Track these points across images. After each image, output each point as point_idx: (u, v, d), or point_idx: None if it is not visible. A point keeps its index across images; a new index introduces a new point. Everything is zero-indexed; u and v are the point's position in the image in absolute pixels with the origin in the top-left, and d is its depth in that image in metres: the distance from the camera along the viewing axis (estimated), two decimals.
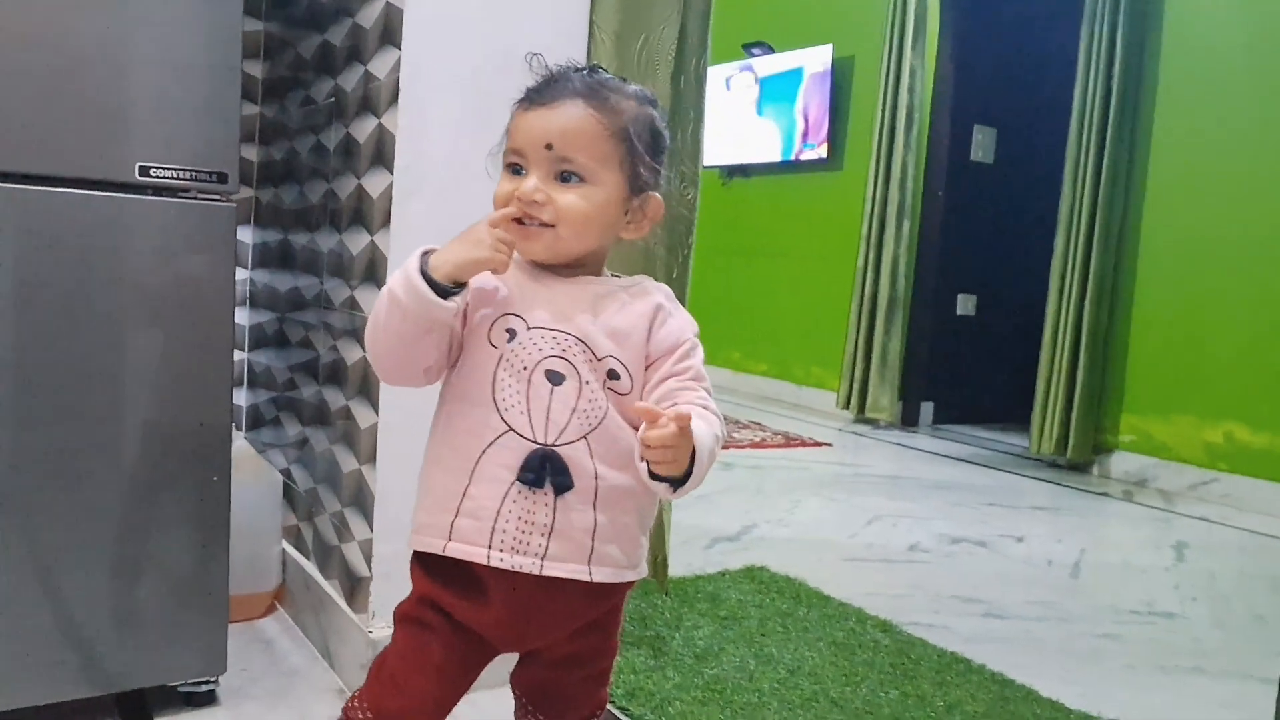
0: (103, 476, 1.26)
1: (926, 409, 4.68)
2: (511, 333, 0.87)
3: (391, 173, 1.38)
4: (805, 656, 1.70)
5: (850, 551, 2.47)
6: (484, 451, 0.86)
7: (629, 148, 0.89)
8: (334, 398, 1.60)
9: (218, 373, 1.32)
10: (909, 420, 4.63)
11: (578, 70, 0.91)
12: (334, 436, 1.60)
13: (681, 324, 0.92)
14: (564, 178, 0.87)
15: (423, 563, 0.92)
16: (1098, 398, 3.72)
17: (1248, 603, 2.30)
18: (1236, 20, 3.43)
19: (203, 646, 1.36)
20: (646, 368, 0.90)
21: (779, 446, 3.87)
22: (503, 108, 0.93)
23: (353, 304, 1.53)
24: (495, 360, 0.87)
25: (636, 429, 0.88)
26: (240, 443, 1.75)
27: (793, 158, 5.04)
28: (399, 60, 1.36)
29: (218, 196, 1.29)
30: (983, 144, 4.59)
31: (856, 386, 4.57)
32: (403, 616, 0.93)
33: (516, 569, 0.86)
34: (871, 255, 4.54)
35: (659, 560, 1.80)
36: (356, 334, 1.52)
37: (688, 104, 1.61)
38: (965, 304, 4.68)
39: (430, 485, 0.91)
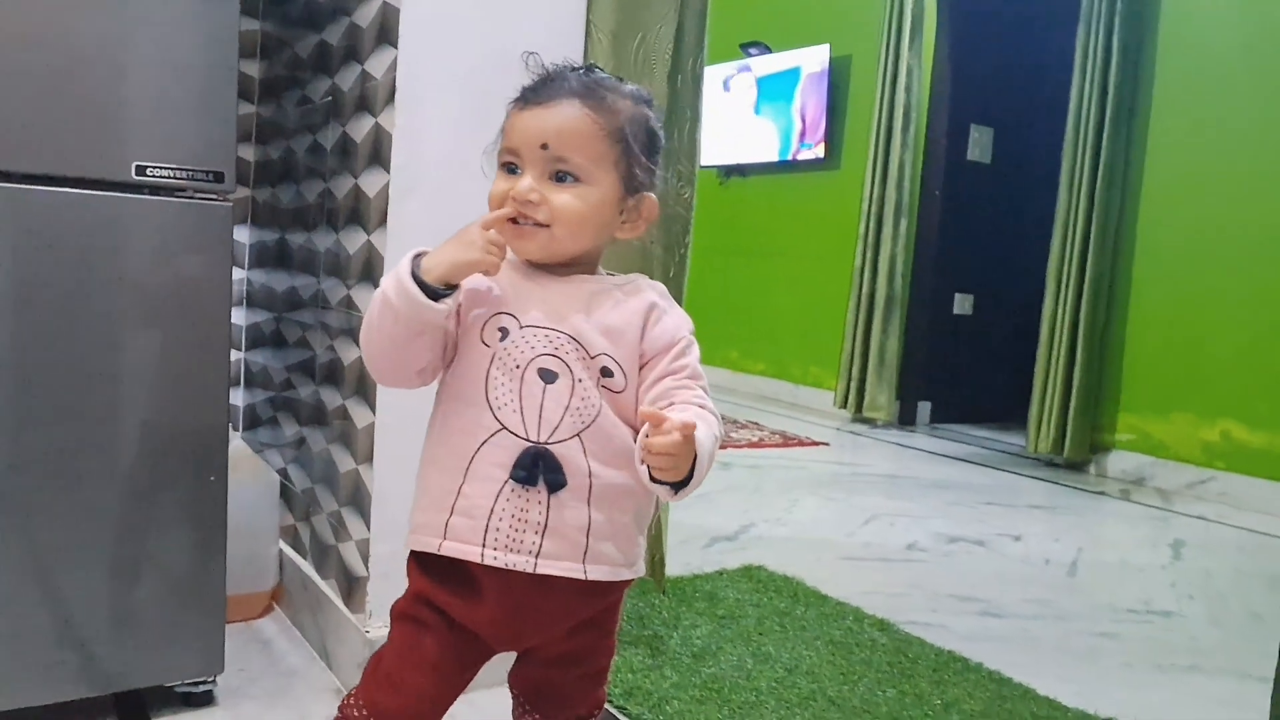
0: (100, 477, 1.26)
1: (924, 408, 4.68)
2: (504, 331, 0.88)
3: (388, 172, 1.38)
4: (803, 655, 1.70)
5: (848, 550, 2.47)
6: (477, 450, 0.86)
7: (624, 148, 0.89)
8: (331, 397, 1.60)
9: (215, 372, 1.32)
10: (906, 419, 4.64)
11: (574, 69, 0.90)
12: (331, 436, 1.60)
13: (677, 321, 0.92)
14: (559, 177, 0.87)
15: (419, 561, 0.92)
16: (1095, 397, 3.73)
17: (1244, 601, 2.31)
18: (1233, 20, 3.43)
19: (200, 646, 1.36)
20: (641, 366, 0.90)
21: (777, 446, 3.87)
22: (500, 107, 0.93)
23: (349, 303, 1.53)
24: (488, 359, 0.87)
25: (632, 427, 0.89)
26: (237, 443, 1.75)
27: (790, 157, 5.04)
28: (396, 59, 1.36)
29: (214, 196, 1.29)
30: (980, 143, 4.59)
31: (854, 386, 4.57)
32: (399, 614, 0.93)
33: (510, 567, 0.86)
34: (869, 255, 4.54)
35: (656, 559, 1.80)
36: (353, 334, 1.52)
37: (684, 103, 1.61)
38: (962, 303, 4.69)
39: (426, 485, 0.91)
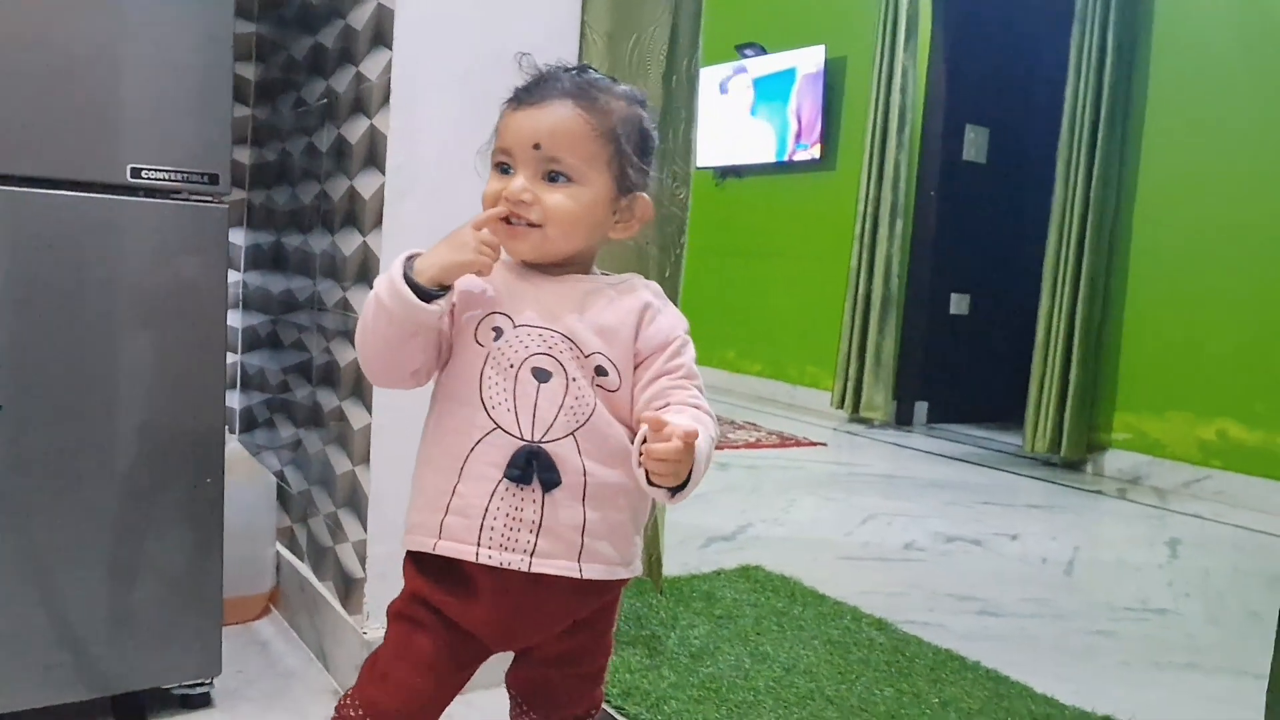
0: (97, 479, 1.26)
1: (921, 408, 4.69)
2: (498, 331, 0.88)
3: (384, 173, 1.38)
4: (801, 655, 1.70)
5: (845, 550, 2.47)
6: (472, 449, 0.87)
7: (617, 148, 0.89)
8: (327, 399, 1.60)
9: (211, 375, 1.32)
10: (903, 419, 4.64)
11: (567, 70, 0.91)
12: (327, 438, 1.60)
13: (671, 321, 0.92)
14: (552, 177, 0.87)
15: (415, 561, 0.92)
16: (1091, 396, 3.73)
17: (1241, 599, 2.31)
18: (1227, 20, 3.44)
19: (197, 649, 1.36)
20: (636, 366, 0.90)
21: (774, 446, 3.87)
22: (495, 108, 0.93)
23: (345, 305, 1.53)
24: (482, 359, 0.87)
25: (627, 426, 0.89)
26: (234, 445, 1.75)
27: (786, 158, 5.05)
28: (390, 61, 1.36)
29: (210, 198, 1.29)
30: (975, 143, 4.60)
31: (851, 386, 4.57)
32: (395, 614, 0.93)
33: (505, 566, 0.86)
34: (865, 255, 4.55)
35: (654, 559, 1.80)
36: (349, 335, 1.52)
37: (679, 104, 1.62)
38: (959, 303, 4.69)
39: (421, 485, 0.91)
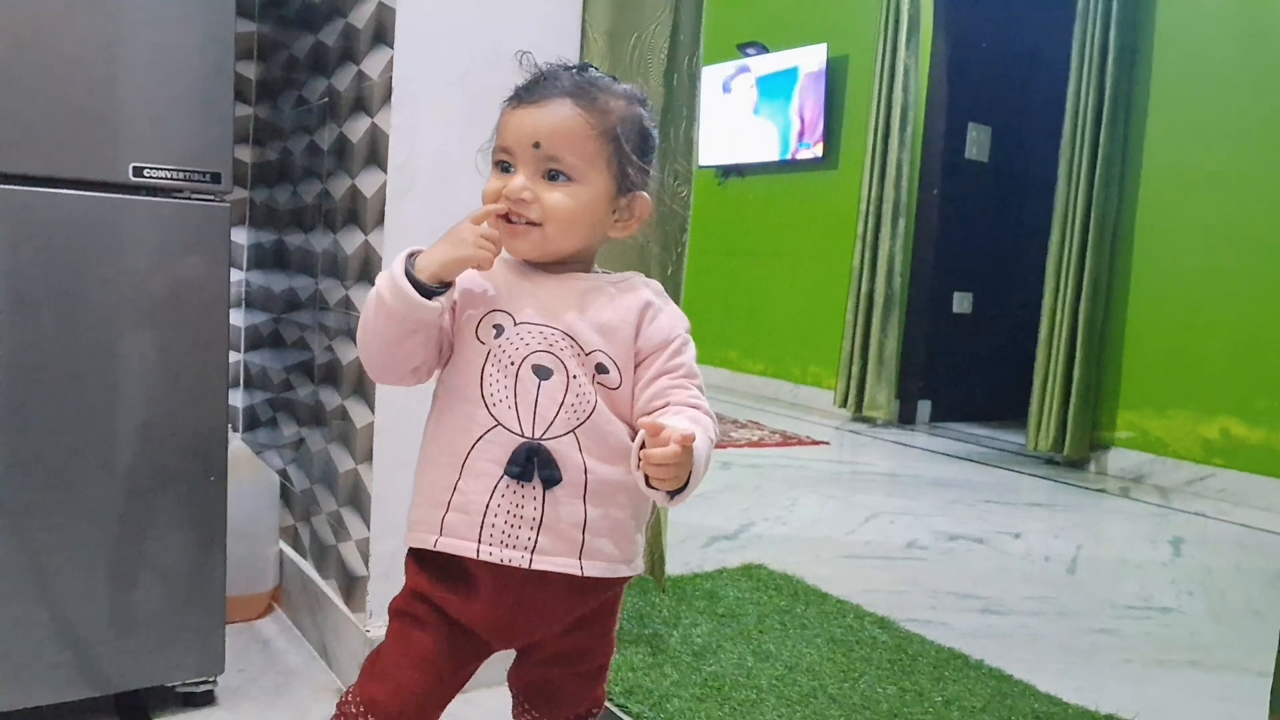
0: (99, 478, 1.26)
1: (924, 407, 4.68)
2: (499, 329, 0.88)
3: (385, 172, 1.38)
4: (803, 653, 1.70)
5: (848, 549, 2.47)
6: (473, 447, 0.87)
7: (616, 147, 0.89)
8: (330, 398, 1.60)
9: (213, 374, 1.32)
10: (906, 418, 4.64)
11: (567, 69, 0.91)
12: (330, 436, 1.60)
13: (672, 320, 0.92)
14: (551, 176, 0.88)
15: (417, 558, 0.92)
16: (1094, 394, 3.73)
17: (1244, 597, 2.31)
18: (1229, 19, 3.43)
19: (200, 647, 1.36)
20: (637, 365, 0.90)
21: (777, 445, 3.87)
22: (496, 106, 0.93)
23: (347, 304, 1.53)
24: (483, 356, 0.88)
25: (628, 423, 0.89)
26: (237, 444, 1.75)
27: (789, 157, 5.05)
28: (392, 59, 1.36)
29: (212, 197, 1.29)
30: (977, 142, 4.59)
31: (854, 385, 4.57)
32: (396, 611, 0.93)
33: (506, 563, 0.86)
34: (867, 254, 4.54)
35: (656, 558, 1.80)
36: (351, 334, 1.52)
37: (680, 102, 1.62)
38: (961, 302, 4.69)
39: (422, 482, 0.91)
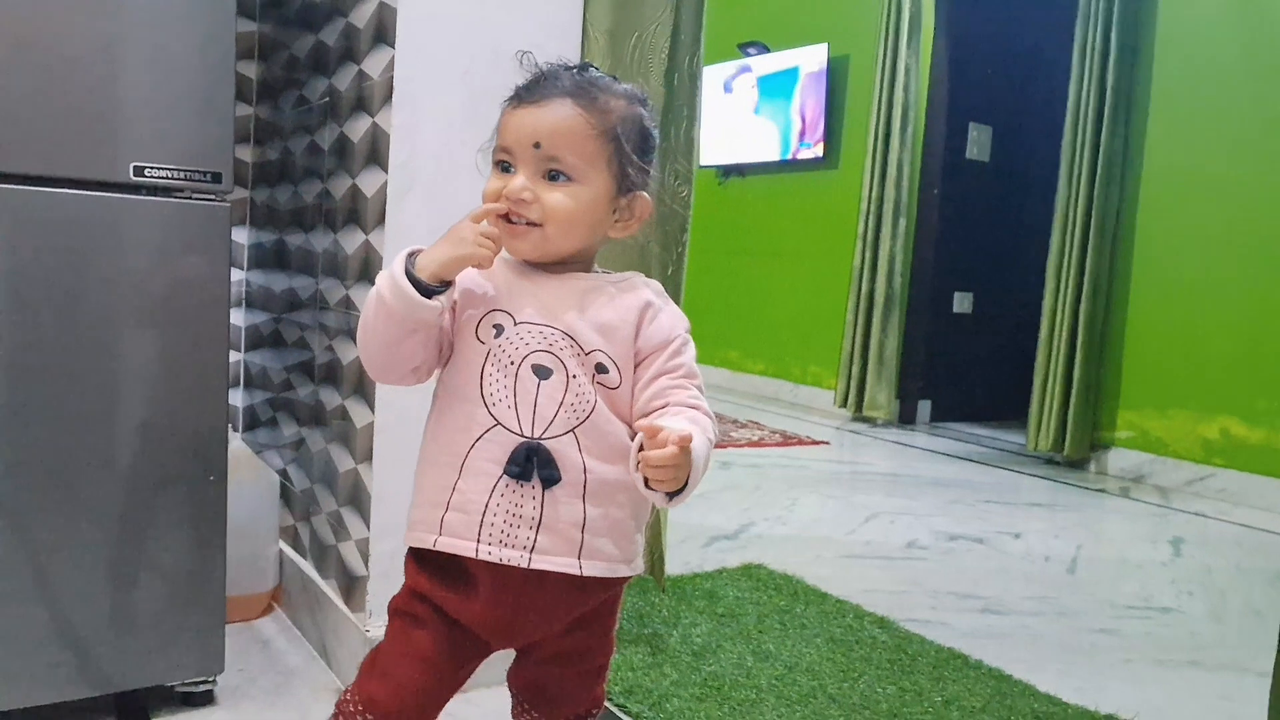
0: (99, 477, 1.26)
1: (924, 407, 4.68)
2: (499, 328, 0.88)
3: (386, 171, 1.38)
4: (803, 653, 1.70)
5: (848, 549, 2.47)
6: (472, 446, 0.87)
7: (617, 147, 0.89)
8: (330, 398, 1.60)
9: (214, 373, 1.33)
10: (906, 418, 4.64)
11: (568, 69, 0.91)
12: (330, 436, 1.60)
13: (672, 320, 0.92)
14: (552, 176, 0.88)
15: (416, 557, 0.92)
16: (1094, 394, 3.73)
17: (1244, 597, 2.31)
18: (1230, 18, 3.43)
19: (200, 647, 1.36)
20: (637, 365, 0.90)
21: (777, 445, 3.87)
22: (497, 105, 0.93)
23: (348, 304, 1.53)
24: (483, 356, 0.88)
25: (628, 423, 0.89)
26: (237, 443, 1.75)
27: (790, 157, 5.05)
28: (393, 59, 1.36)
29: (212, 196, 1.29)
30: (978, 141, 4.59)
31: (854, 385, 4.57)
32: (395, 610, 0.94)
33: (505, 562, 0.86)
34: (868, 254, 4.54)
35: (656, 558, 1.80)
36: (352, 334, 1.52)
37: (681, 102, 1.62)
38: (962, 302, 4.69)
39: (423, 481, 0.91)
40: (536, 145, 0.87)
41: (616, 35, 1.52)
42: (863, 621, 1.88)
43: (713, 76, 5.35)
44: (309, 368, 1.70)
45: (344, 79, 1.54)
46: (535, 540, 0.86)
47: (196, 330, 1.30)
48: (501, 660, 1.00)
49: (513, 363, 0.87)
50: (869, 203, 4.54)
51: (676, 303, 1.14)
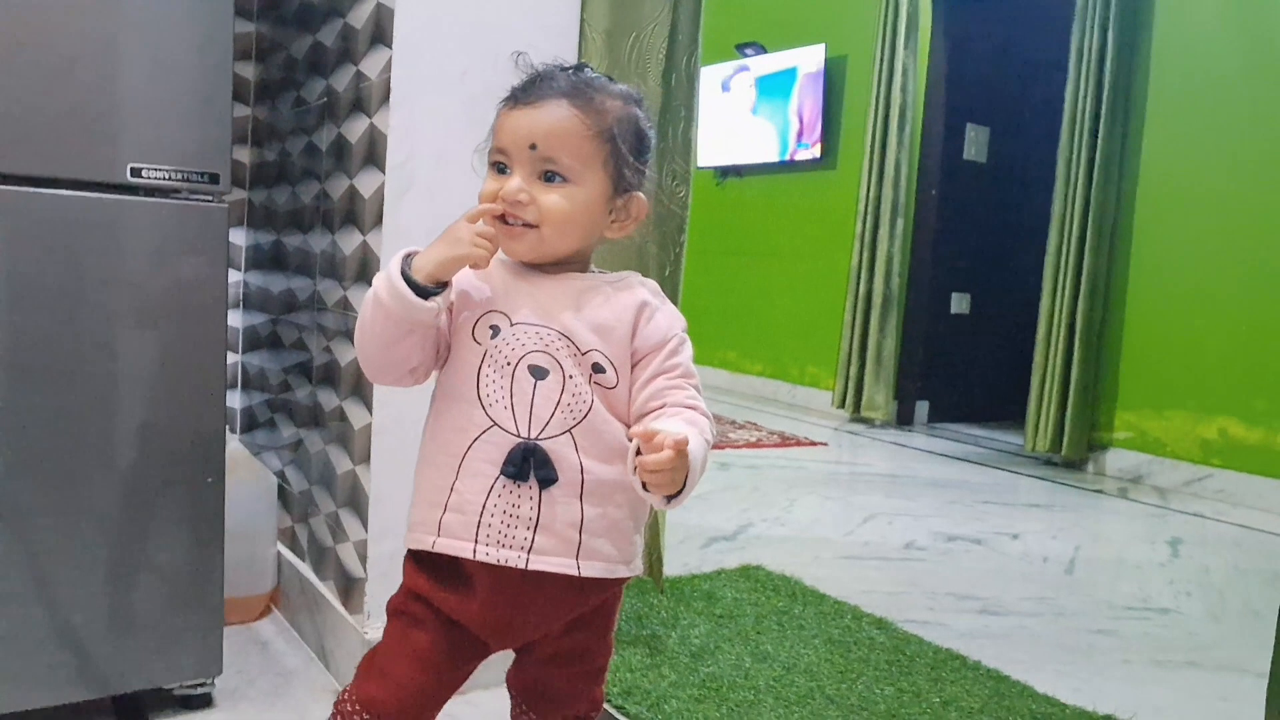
0: (97, 479, 1.26)
1: (922, 407, 4.68)
2: (495, 329, 0.88)
3: (383, 172, 1.38)
4: (801, 654, 1.70)
5: (846, 549, 2.47)
6: (469, 447, 0.87)
7: (612, 148, 0.89)
8: (328, 399, 1.60)
9: (211, 375, 1.32)
10: (904, 419, 4.64)
11: (563, 69, 0.91)
12: (328, 438, 1.60)
13: (669, 319, 0.92)
14: (548, 177, 0.88)
15: (415, 558, 0.92)
16: (1092, 395, 3.73)
17: (1242, 597, 2.31)
18: (1227, 19, 3.44)
19: (198, 649, 1.36)
20: (634, 365, 0.90)
21: (775, 446, 3.87)
22: (495, 106, 0.93)
23: (346, 305, 1.53)
24: (480, 357, 0.88)
25: (625, 423, 0.89)
26: (234, 445, 1.75)
27: (787, 158, 5.05)
28: (390, 60, 1.36)
29: (210, 198, 1.29)
30: (976, 142, 4.60)
31: (852, 385, 4.57)
32: (393, 609, 0.94)
33: (502, 563, 0.86)
34: (866, 254, 4.54)
35: (655, 559, 1.80)
36: (350, 335, 1.52)
37: (679, 102, 1.62)
38: (959, 302, 4.69)
39: (421, 482, 0.91)
40: (532, 146, 0.87)
41: (614, 35, 1.52)
42: (861, 622, 1.88)
43: (710, 77, 5.35)
44: (307, 369, 1.70)
45: (342, 80, 1.54)
46: (533, 541, 0.86)
47: (194, 331, 1.30)
48: (501, 661, 1.00)
49: (509, 363, 0.87)
50: (867, 203, 4.55)
51: (674, 303, 1.14)
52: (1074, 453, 3.71)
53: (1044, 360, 3.82)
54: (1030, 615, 2.06)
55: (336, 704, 0.93)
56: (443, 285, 0.85)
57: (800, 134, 4.96)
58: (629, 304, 0.91)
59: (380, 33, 1.40)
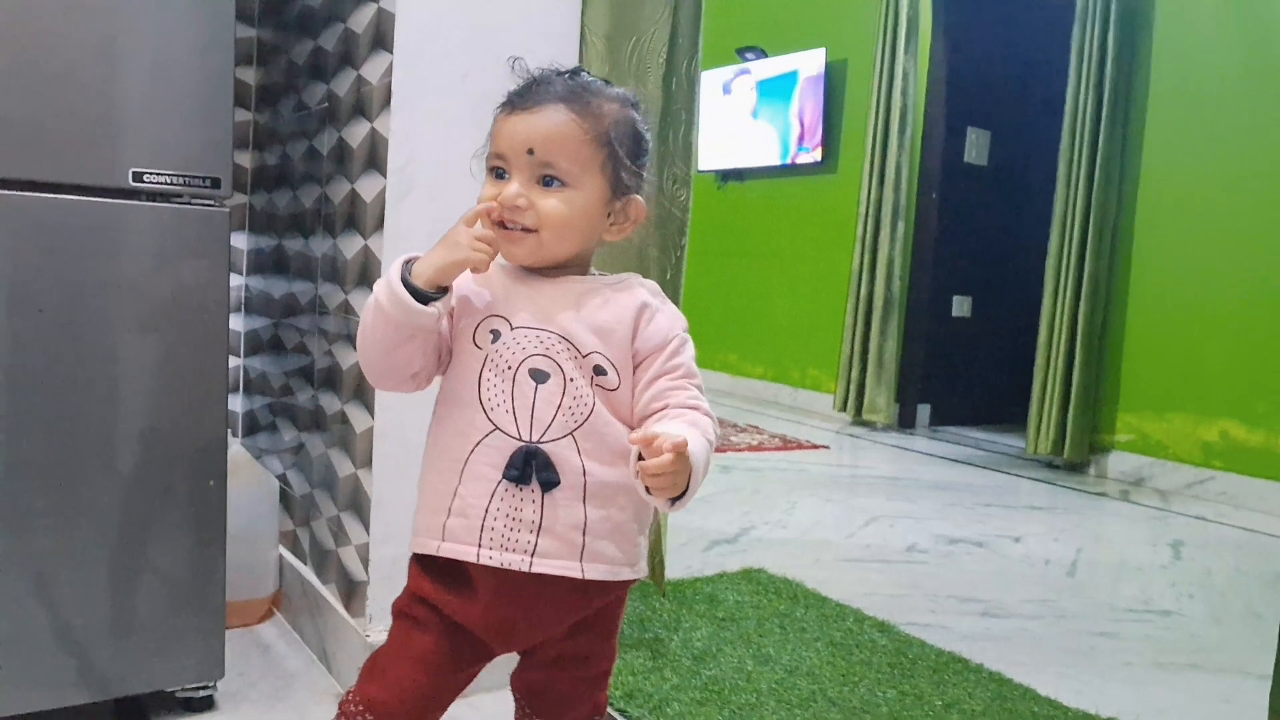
0: (99, 483, 1.26)
1: (923, 410, 4.68)
2: (496, 334, 0.88)
3: (384, 176, 1.39)
4: (803, 657, 1.70)
5: (848, 552, 2.47)
6: (472, 451, 0.87)
7: (610, 152, 0.89)
8: (329, 402, 1.60)
9: (213, 378, 1.33)
10: (906, 422, 4.64)
11: (560, 74, 0.91)
12: (330, 441, 1.60)
13: (670, 320, 0.92)
14: (546, 182, 0.88)
15: (420, 561, 0.92)
16: (1094, 397, 3.73)
17: (1244, 599, 2.31)
18: (1227, 21, 3.44)
19: (200, 652, 1.36)
20: (636, 366, 0.90)
21: (776, 449, 3.87)
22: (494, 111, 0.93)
23: (347, 308, 1.53)
24: (481, 361, 0.88)
25: (628, 425, 0.89)
26: (236, 448, 1.75)
27: (788, 161, 5.05)
28: (391, 64, 1.37)
29: (211, 202, 1.30)
30: (976, 145, 4.60)
31: (853, 389, 4.57)
32: (397, 612, 0.94)
33: (506, 566, 0.86)
34: (867, 258, 4.54)
35: (657, 562, 1.80)
36: (351, 339, 1.52)
37: (679, 106, 1.62)
38: (961, 305, 4.69)
39: (425, 487, 0.91)
40: (530, 151, 0.87)
41: (614, 39, 1.52)
42: (863, 625, 1.87)
43: (711, 81, 5.36)
44: (308, 373, 1.70)
45: (343, 84, 1.54)
46: (536, 544, 0.86)
47: (196, 335, 1.30)
48: (505, 664, 1.00)
49: (510, 367, 0.87)
50: (868, 206, 4.55)
51: (674, 305, 1.14)
52: (1075, 455, 3.71)
53: (1045, 363, 3.82)
54: (1032, 618, 2.06)
55: (340, 704, 0.93)
56: (443, 290, 0.86)
57: (801, 137, 4.96)
58: (629, 305, 0.91)
59: (381, 37, 1.40)
